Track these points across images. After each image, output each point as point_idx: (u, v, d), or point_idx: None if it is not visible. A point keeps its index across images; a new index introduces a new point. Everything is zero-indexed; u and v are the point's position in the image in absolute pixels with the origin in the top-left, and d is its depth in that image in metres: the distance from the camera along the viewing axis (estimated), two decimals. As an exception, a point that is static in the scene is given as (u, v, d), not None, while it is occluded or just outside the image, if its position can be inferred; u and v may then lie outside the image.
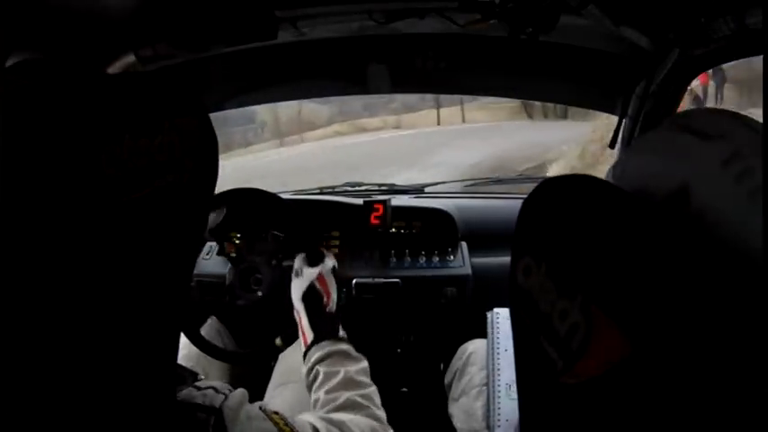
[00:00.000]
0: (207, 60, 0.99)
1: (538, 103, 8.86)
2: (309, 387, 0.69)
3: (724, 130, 0.25)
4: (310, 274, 0.78)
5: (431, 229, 1.18)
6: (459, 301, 1.12)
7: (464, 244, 1.18)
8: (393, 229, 1.17)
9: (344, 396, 0.63)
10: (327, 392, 0.65)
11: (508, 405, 0.82)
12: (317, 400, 0.65)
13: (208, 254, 1.16)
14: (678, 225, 0.25)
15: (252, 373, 1.07)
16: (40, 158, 0.28)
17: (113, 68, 0.85)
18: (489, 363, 0.88)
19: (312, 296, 0.76)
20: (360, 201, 1.19)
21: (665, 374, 0.24)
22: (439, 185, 1.46)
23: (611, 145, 0.98)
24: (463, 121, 10.45)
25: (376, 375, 0.70)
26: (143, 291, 0.34)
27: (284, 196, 1.10)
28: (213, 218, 0.91)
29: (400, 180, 1.49)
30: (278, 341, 0.84)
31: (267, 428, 0.45)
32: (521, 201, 0.33)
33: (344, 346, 0.70)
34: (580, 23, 0.77)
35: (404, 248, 1.16)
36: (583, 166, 5.00)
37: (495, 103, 10.12)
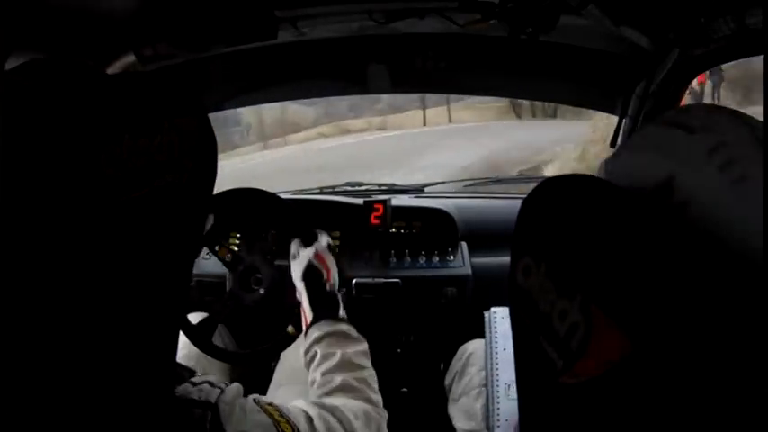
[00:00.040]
0: (207, 60, 0.99)
1: (526, 102, 8.78)
2: (307, 367, 0.68)
3: (709, 122, 0.26)
4: (307, 253, 0.78)
5: (431, 229, 1.18)
6: (459, 301, 1.11)
7: (464, 244, 1.17)
8: (393, 229, 1.17)
9: (339, 378, 0.63)
10: (323, 374, 0.64)
11: (508, 405, 0.82)
12: (313, 381, 0.65)
13: (208, 254, 1.15)
14: (665, 218, 0.25)
15: (252, 373, 1.07)
16: (39, 158, 0.28)
17: (113, 68, 0.85)
18: (488, 362, 0.88)
19: (312, 274, 0.76)
20: (360, 201, 1.19)
21: (665, 374, 0.24)
22: (439, 185, 1.46)
23: (612, 145, 0.98)
24: (450, 121, 10.32)
25: (376, 375, 0.70)
26: (142, 290, 0.34)
27: (284, 196, 1.10)
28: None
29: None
30: (290, 329, 0.84)
31: (262, 421, 0.45)
32: (521, 201, 0.33)
33: (344, 327, 0.70)
34: (580, 23, 0.77)
35: (404, 248, 1.16)
36: (584, 168, 4.97)
37: (481, 103, 10.03)
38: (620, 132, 0.97)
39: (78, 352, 0.31)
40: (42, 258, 0.29)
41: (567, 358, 0.27)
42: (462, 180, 1.60)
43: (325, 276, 0.76)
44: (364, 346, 0.70)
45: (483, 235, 1.18)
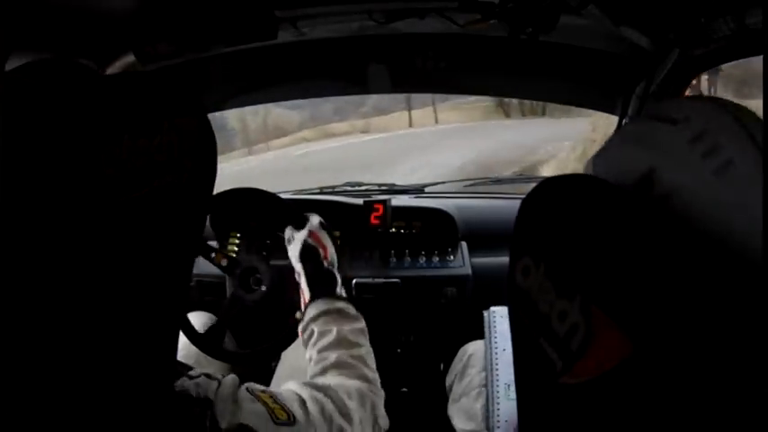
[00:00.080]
0: (207, 60, 0.99)
1: (515, 101, 8.66)
2: (305, 345, 0.68)
3: (692, 112, 0.26)
4: (301, 235, 0.78)
5: (431, 229, 1.18)
6: (459, 301, 1.11)
7: (464, 244, 1.17)
8: (393, 229, 1.17)
9: (335, 355, 0.63)
10: (319, 351, 0.64)
11: (507, 405, 0.82)
12: (310, 358, 0.65)
13: None
14: (648, 212, 0.25)
15: (252, 373, 1.07)
16: (39, 158, 0.28)
17: (113, 68, 0.85)
18: (487, 362, 0.88)
19: (308, 253, 0.76)
20: (360, 201, 1.19)
21: (665, 374, 0.24)
22: (439, 185, 1.46)
23: None
24: (436, 122, 10.06)
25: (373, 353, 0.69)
26: (142, 290, 0.34)
27: (284, 196, 1.10)
28: None
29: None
30: (298, 315, 0.84)
31: (256, 409, 0.45)
32: (520, 201, 0.33)
33: (340, 305, 0.70)
34: (580, 23, 0.77)
35: (404, 248, 1.16)
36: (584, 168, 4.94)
37: (468, 103, 9.81)
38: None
39: (78, 352, 0.31)
40: (42, 258, 0.29)
41: (566, 359, 0.27)
42: (462, 180, 1.60)
43: (322, 254, 0.76)
44: (361, 323, 0.69)
45: (483, 235, 1.18)
